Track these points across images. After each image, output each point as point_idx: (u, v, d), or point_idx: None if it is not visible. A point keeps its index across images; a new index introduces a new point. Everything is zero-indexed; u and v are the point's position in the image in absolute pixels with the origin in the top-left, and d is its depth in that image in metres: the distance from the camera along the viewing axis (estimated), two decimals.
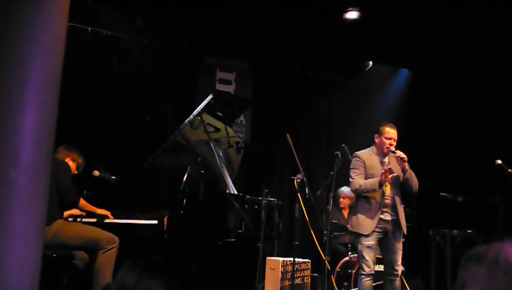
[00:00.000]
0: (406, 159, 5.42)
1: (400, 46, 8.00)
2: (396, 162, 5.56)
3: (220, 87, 8.01)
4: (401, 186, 5.61)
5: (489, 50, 7.62)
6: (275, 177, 8.20)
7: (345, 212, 7.60)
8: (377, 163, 5.55)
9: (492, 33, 7.29)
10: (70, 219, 5.35)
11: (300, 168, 5.81)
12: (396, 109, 8.83)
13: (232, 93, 7.94)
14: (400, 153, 5.43)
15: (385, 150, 5.54)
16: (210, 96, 5.92)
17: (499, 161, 5.66)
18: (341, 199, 7.57)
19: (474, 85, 8.06)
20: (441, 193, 6.35)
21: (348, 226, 7.04)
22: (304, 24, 7.44)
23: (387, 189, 5.46)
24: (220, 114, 6.28)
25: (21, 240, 2.04)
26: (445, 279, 5.54)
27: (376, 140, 5.60)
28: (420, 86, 8.73)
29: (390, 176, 5.32)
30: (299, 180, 5.81)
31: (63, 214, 5.22)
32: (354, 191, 5.61)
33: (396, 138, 5.55)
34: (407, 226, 7.02)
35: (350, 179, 5.61)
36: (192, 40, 7.67)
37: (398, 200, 5.53)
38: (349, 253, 6.80)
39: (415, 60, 8.60)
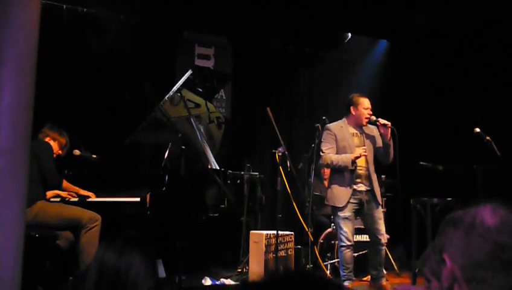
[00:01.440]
0: (390, 125, 5.45)
1: (378, 17, 8.00)
2: (373, 132, 5.60)
3: (199, 62, 7.96)
4: (374, 156, 5.64)
5: (469, 20, 7.64)
6: (256, 151, 8.22)
7: (327, 184, 7.65)
8: (349, 135, 5.54)
9: (471, 3, 7.30)
10: (53, 199, 5.33)
11: (282, 142, 5.83)
12: (376, 80, 8.86)
13: (212, 68, 7.90)
14: (383, 121, 5.45)
15: (364, 121, 5.54)
16: (189, 72, 5.88)
17: (478, 129, 5.72)
18: (323, 170, 7.60)
19: (453, 55, 8.10)
20: (421, 162, 6.41)
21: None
22: None
23: (361, 159, 5.46)
24: (200, 90, 6.25)
25: (2, 221, 2.03)
26: (426, 246, 5.62)
27: (353, 112, 5.55)
28: (399, 57, 8.76)
29: (363, 154, 5.37)
30: (280, 154, 5.84)
31: (45, 195, 5.19)
32: (325, 165, 5.62)
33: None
34: (389, 196, 7.12)
35: (321, 153, 5.59)
36: (170, 15, 7.60)
37: (372, 169, 5.55)
38: (332, 224, 6.87)
39: (393, 31, 8.61)
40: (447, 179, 6.62)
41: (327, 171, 7.59)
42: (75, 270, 5.04)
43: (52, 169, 5.14)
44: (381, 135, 5.56)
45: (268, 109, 5.78)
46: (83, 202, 5.31)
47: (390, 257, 6.75)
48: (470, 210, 1.35)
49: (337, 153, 5.50)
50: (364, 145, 5.50)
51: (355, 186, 5.45)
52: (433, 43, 8.27)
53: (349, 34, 8.82)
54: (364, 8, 7.71)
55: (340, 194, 5.46)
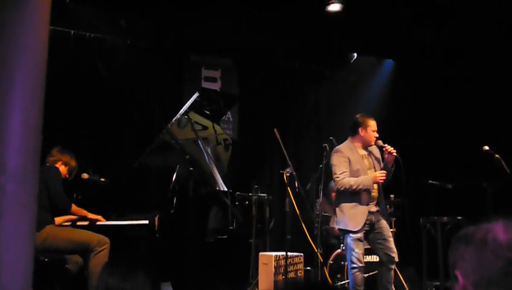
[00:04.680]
0: (395, 153, 5.35)
1: (383, 36, 8.02)
2: (377, 152, 5.56)
3: (205, 85, 7.99)
4: None
5: (475, 37, 7.66)
6: (264, 172, 8.20)
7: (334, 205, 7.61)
8: (359, 157, 5.47)
9: (477, 20, 7.33)
10: (65, 224, 5.34)
11: (289, 162, 5.81)
12: (382, 99, 8.87)
13: (218, 90, 7.93)
14: (390, 148, 5.37)
15: (372, 143, 5.49)
16: (196, 95, 5.91)
17: (486, 147, 5.70)
18: (334, 193, 7.55)
19: (460, 73, 8.10)
20: (430, 181, 6.38)
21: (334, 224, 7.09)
22: (287, 17, 7.44)
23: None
24: (207, 112, 6.27)
25: (12, 245, 2.03)
26: (437, 266, 5.57)
27: (361, 133, 5.46)
28: (405, 75, 8.76)
29: (383, 179, 5.34)
30: (288, 174, 5.82)
31: (53, 220, 5.20)
32: (343, 190, 5.39)
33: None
34: (397, 215, 7.08)
35: (335, 177, 5.43)
36: (176, 38, 7.65)
37: (381, 189, 5.48)
38: (342, 245, 6.82)
39: (399, 50, 8.63)
40: (456, 197, 6.58)
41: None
42: None
43: (61, 192, 5.15)
44: (383, 159, 5.52)
45: (275, 130, 5.78)
46: (91, 226, 5.32)
47: (401, 277, 6.69)
48: (482, 226, 1.34)
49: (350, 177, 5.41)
50: (374, 167, 5.46)
51: (369, 208, 5.38)
52: (438, 61, 8.28)
53: (355, 54, 8.85)
54: (369, 28, 7.74)
55: (356, 217, 5.33)
